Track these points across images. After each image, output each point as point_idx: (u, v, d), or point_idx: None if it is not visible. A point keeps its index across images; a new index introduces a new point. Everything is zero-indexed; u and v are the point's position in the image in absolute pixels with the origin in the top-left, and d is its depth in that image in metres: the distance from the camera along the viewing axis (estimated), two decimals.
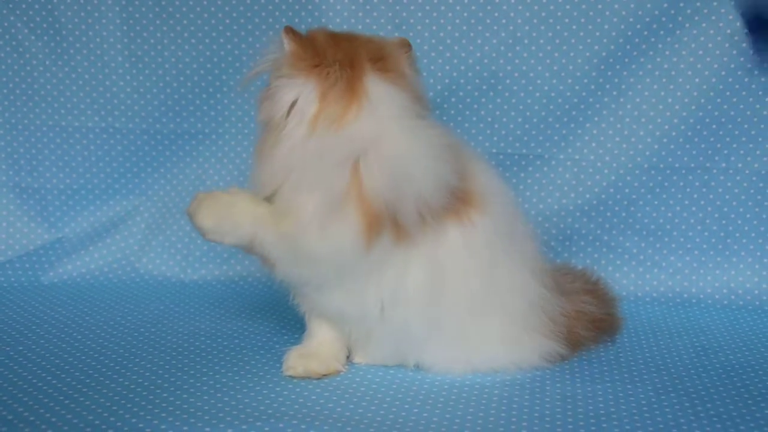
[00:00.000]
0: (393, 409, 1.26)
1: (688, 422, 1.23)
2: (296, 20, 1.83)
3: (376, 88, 1.33)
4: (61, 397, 1.29)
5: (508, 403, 1.29)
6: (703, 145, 1.80)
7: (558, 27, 1.79)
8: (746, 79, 1.75)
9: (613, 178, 1.84)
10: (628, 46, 1.77)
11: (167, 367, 1.43)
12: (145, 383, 1.35)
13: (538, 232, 1.53)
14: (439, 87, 1.83)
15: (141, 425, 1.19)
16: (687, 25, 1.75)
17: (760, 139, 1.78)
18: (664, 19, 1.75)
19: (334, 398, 1.30)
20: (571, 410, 1.27)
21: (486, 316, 1.39)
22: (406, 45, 1.40)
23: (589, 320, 1.52)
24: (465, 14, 1.80)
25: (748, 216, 1.81)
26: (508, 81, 1.82)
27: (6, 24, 1.90)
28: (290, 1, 1.84)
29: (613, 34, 1.77)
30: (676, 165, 1.81)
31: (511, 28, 1.80)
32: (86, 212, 1.98)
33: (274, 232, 1.31)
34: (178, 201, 1.98)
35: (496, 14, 1.80)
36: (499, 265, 1.39)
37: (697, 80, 1.77)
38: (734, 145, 1.79)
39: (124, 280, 1.95)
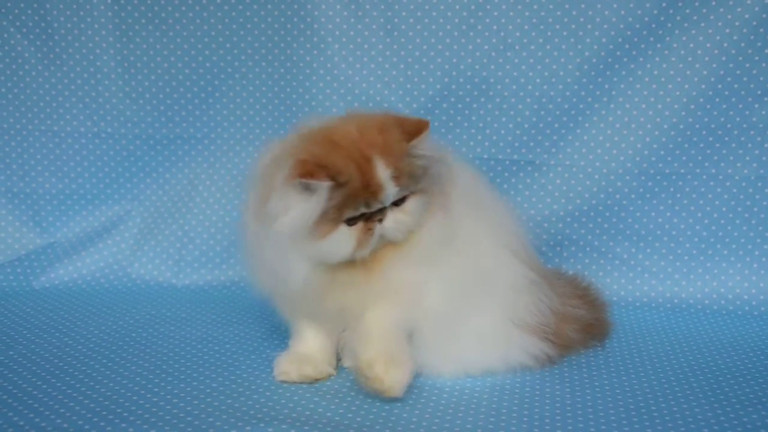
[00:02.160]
0: (383, 413, 1.27)
1: (676, 427, 1.24)
2: (288, 26, 1.84)
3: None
4: (51, 402, 1.30)
5: (498, 408, 1.29)
6: (692, 151, 1.80)
7: (549, 33, 1.79)
8: (735, 85, 1.76)
9: (603, 183, 1.84)
10: (618, 52, 1.78)
11: (158, 371, 1.43)
12: (136, 388, 1.36)
13: (528, 233, 1.53)
14: (430, 93, 1.84)
15: (131, 430, 1.20)
16: (676, 31, 1.76)
17: (749, 145, 1.78)
18: (653, 25, 1.76)
19: (324, 402, 1.30)
20: (560, 415, 1.27)
21: (474, 305, 1.38)
22: None
23: (580, 325, 1.52)
24: (456, 20, 1.81)
25: (737, 221, 1.81)
26: (499, 87, 1.83)
27: None
28: (282, 7, 1.84)
29: (604, 40, 1.77)
30: (666, 170, 1.82)
31: (502, 34, 1.81)
32: (78, 217, 1.98)
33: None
34: (170, 206, 1.98)
35: (487, 20, 1.80)
36: (478, 245, 1.39)
37: (686, 86, 1.78)
38: (724, 151, 1.79)
39: (116, 285, 1.95)
